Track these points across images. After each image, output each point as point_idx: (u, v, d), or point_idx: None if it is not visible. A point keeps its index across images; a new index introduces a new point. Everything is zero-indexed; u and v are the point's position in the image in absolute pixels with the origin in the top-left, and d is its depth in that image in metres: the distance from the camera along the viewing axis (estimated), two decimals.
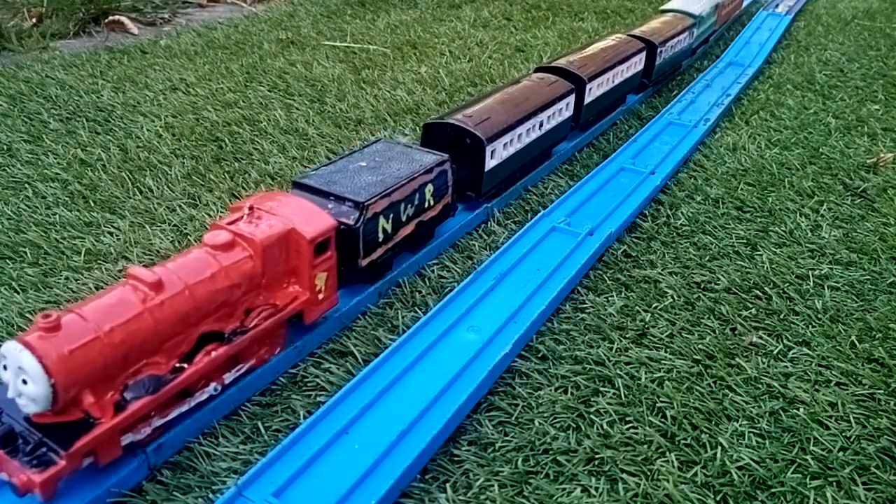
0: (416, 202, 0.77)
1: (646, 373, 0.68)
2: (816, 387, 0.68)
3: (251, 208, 0.63)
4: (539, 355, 0.70)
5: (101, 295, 0.52)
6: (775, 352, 0.72)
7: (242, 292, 0.59)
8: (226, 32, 1.70)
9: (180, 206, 0.93)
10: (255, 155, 1.08)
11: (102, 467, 0.51)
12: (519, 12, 2.03)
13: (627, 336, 0.73)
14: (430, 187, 0.78)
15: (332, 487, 0.52)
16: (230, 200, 0.95)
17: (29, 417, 0.49)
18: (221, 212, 0.92)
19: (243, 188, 0.99)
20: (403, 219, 0.76)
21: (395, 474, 0.53)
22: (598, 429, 0.61)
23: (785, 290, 0.82)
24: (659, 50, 1.34)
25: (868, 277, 0.85)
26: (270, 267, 0.60)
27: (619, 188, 1.00)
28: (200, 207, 0.94)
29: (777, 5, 2.16)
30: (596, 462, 0.58)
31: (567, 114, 1.08)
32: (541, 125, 1.00)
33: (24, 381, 0.47)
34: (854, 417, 0.64)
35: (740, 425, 0.62)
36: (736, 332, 0.75)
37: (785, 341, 0.74)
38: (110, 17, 1.76)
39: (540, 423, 0.62)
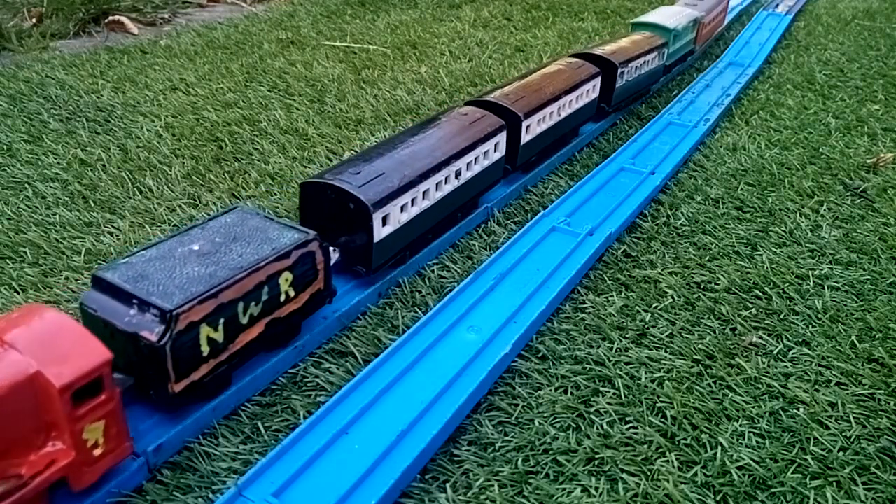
0: (266, 297, 0.60)
1: (646, 373, 0.68)
2: (816, 387, 0.68)
3: None
4: (539, 355, 0.70)
5: None
6: (775, 352, 0.72)
7: None
8: (226, 32, 1.70)
9: (180, 206, 0.93)
10: (255, 155, 1.08)
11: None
12: (519, 12, 2.03)
13: (627, 336, 0.73)
14: (286, 276, 0.61)
15: (332, 487, 0.52)
16: (230, 200, 0.95)
17: None
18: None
19: (243, 188, 0.99)
20: (245, 321, 0.59)
21: (395, 474, 0.53)
22: (598, 429, 0.61)
23: (785, 290, 0.82)
24: (620, 72, 1.20)
25: (868, 277, 0.85)
26: (2, 428, 0.45)
27: (619, 188, 1.00)
28: (200, 207, 0.94)
29: (777, 5, 2.16)
30: (596, 462, 0.58)
31: (497, 155, 0.92)
32: (458, 174, 0.84)
33: None
34: (854, 417, 0.64)
35: (740, 425, 0.62)
36: (736, 332, 0.75)
37: (785, 341, 0.74)
38: (110, 17, 1.76)
39: (540, 423, 0.62)
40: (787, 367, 0.70)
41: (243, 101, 1.28)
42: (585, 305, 0.78)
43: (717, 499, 0.56)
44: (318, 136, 1.15)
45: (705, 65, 1.63)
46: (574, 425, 0.62)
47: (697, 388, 0.67)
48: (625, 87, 1.24)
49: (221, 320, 0.56)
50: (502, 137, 0.92)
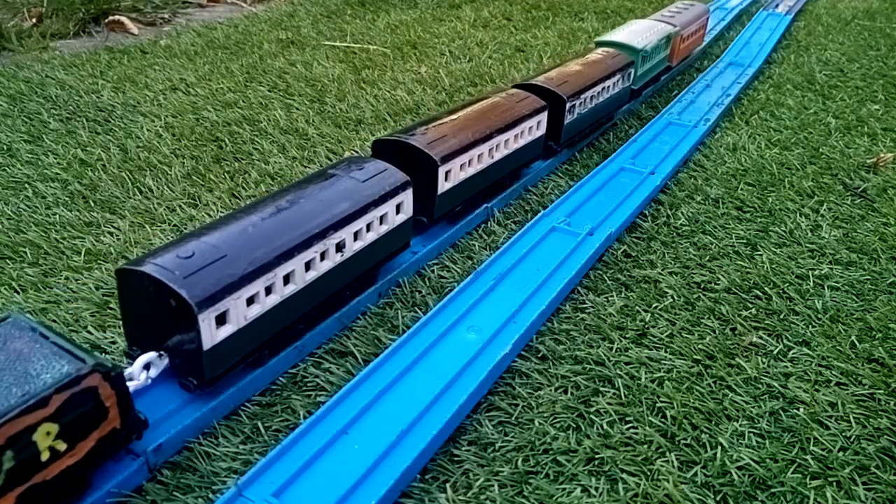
0: (16, 458, 0.44)
1: (646, 373, 0.68)
2: (816, 387, 0.68)
3: None
4: (539, 355, 0.70)
5: None
6: (775, 352, 0.72)
7: None
8: (226, 32, 1.70)
9: (180, 206, 0.93)
10: (255, 155, 1.08)
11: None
12: (519, 12, 2.03)
13: (627, 336, 0.73)
14: (46, 429, 0.45)
15: (332, 487, 0.52)
16: (230, 200, 0.95)
17: None
18: (221, 212, 0.92)
19: (243, 188, 0.99)
20: None
21: (395, 474, 0.53)
22: (598, 429, 0.61)
23: (785, 290, 0.82)
24: (570, 105, 1.03)
25: (868, 277, 0.85)
26: None
27: (619, 188, 1.00)
28: (200, 207, 0.94)
29: (777, 5, 2.16)
30: (596, 462, 0.58)
31: (402, 217, 0.74)
32: (341, 246, 0.67)
33: None
34: (854, 417, 0.64)
35: (740, 425, 0.62)
36: (736, 332, 0.75)
37: (785, 341, 0.74)
38: (110, 17, 1.76)
39: (540, 423, 0.62)
40: (787, 367, 0.70)
41: (243, 101, 1.28)
42: (585, 305, 0.78)
43: (717, 499, 0.56)
44: (318, 136, 1.15)
45: (705, 65, 1.63)
46: (574, 425, 0.62)
47: (697, 388, 0.67)
48: (577, 121, 1.08)
49: None
50: (406, 196, 0.74)
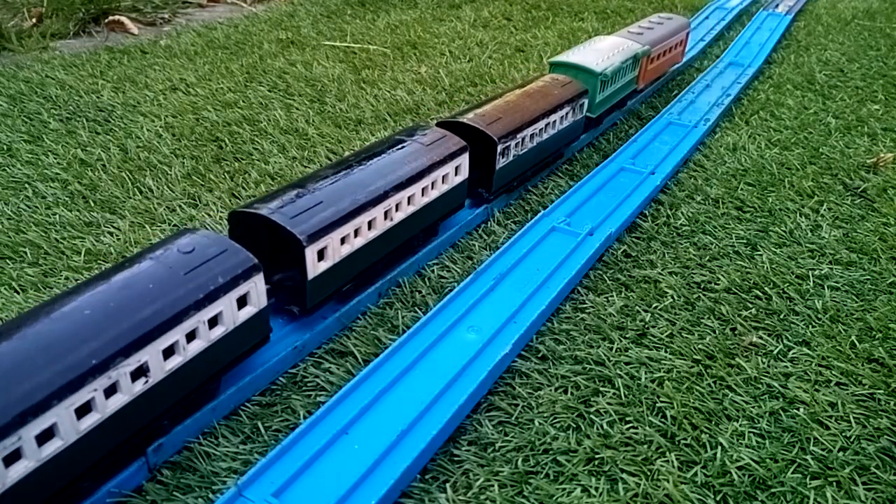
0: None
1: (646, 373, 0.68)
2: (816, 387, 0.68)
3: None
4: (539, 355, 0.70)
5: None
6: (775, 352, 0.72)
7: None
8: (226, 32, 1.70)
9: (180, 206, 0.93)
10: (255, 155, 1.08)
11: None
12: (519, 12, 2.03)
13: (627, 336, 0.73)
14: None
15: (332, 487, 0.52)
16: (230, 200, 0.95)
17: None
18: (221, 211, 0.92)
19: (243, 188, 0.99)
20: None
21: (395, 474, 0.53)
22: (598, 429, 0.61)
23: (785, 290, 0.82)
24: (502, 148, 0.88)
25: (868, 277, 0.85)
26: None
27: (619, 188, 1.00)
28: (200, 207, 0.94)
29: (777, 5, 2.16)
30: (596, 462, 0.58)
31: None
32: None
33: None
34: (854, 417, 0.64)
35: (740, 425, 0.62)
36: (736, 332, 0.75)
37: (785, 341, 0.74)
38: (110, 17, 1.76)
39: (540, 423, 0.62)
40: (787, 367, 0.70)
41: (243, 101, 1.28)
42: (585, 305, 0.78)
43: (717, 499, 0.56)
44: (318, 136, 1.15)
45: (705, 65, 1.63)
46: (574, 425, 0.62)
47: (697, 388, 0.67)
48: (516, 164, 0.93)
49: None
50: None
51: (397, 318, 0.74)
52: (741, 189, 1.06)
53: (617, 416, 0.63)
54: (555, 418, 0.63)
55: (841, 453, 0.60)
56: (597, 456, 0.59)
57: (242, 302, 0.58)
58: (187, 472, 0.56)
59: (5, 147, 1.07)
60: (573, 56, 1.13)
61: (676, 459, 0.59)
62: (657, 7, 2.17)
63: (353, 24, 1.83)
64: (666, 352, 0.71)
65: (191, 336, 0.54)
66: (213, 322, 0.55)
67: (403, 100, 1.32)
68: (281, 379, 0.66)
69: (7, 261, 0.81)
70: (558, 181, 1.07)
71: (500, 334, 0.69)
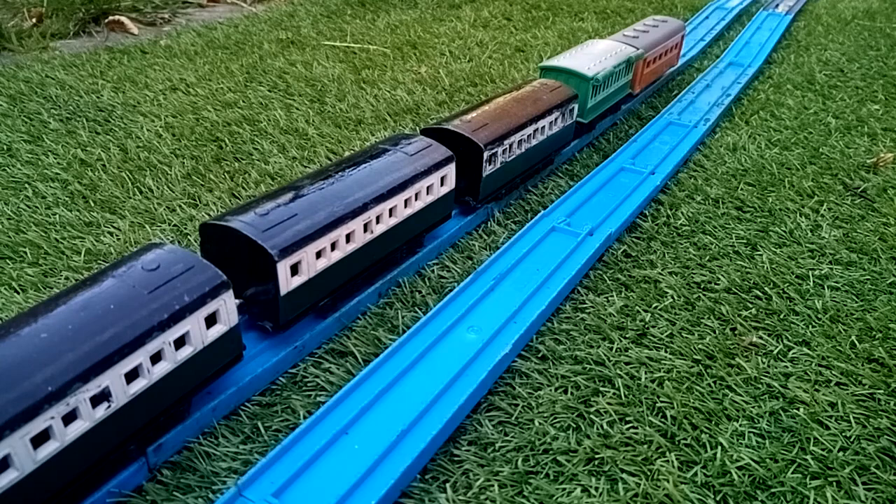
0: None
1: (646, 373, 0.68)
2: (816, 387, 0.68)
3: None
4: (539, 355, 0.70)
5: None
6: (775, 352, 0.72)
7: None
8: (226, 32, 1.70)
9: (180, 206, 0.93)
10: (255, 155, 1.08)
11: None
12: (519, 12, 2.03)
13: (627, 336, 0.73)
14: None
15: (332, 487, 0.52)
16: (230, 200, 0.95)
17: None
18: (222, 211, 0.92)
19: (243, 188, 0.99)
20: None
21: (395, 474, 0.53)
22: (598, 429, 0.61)
23: (785, 290, 0.82)
24: (489, 155, 0.86)
25: (868, 277, 0.85)
26: None
27: (619, 188, 1.00)
28: (200, 207, 0.94)
29: (777, 5, 2.16)
30: (596, 462, 0.58)
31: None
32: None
33: None
34: (854, 417, 0.64)
35: (740, 425, 0.62)
36: (736, 332, 0.75)
37: (785, 341, 0.74)
38: (110, 17, 1.76)
39: (540, 423, 0.62)
40: (787, 367, 0.70)
41: (243, 101, 1.28)
42: (585, 305, 0.78)
43: (717, 499, 0.56)
44: (318, 136, 1.15)
45: (705, 65, 1.63)
46: (574, 425, 0.62)
47: (697, 388, 0.67)
48: (503, 171, 0.91)
49: None
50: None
51: (397, 318, 0.74)
52: (741, 189, 1.06)
53: (617, 416, 0.63)
54: (555, 418, 0.63)
55: (841, 453, 0.60)
56: (597, 456, 0.59)
57: (211, 320, 0.56)
58: (187, 472, 0.56)
59: (5, 147, 1.07)
60: (564, 60, 1.11)
61: (676, 459, 0.59)
62: (657, 7, 2.17)
63: (353, 24, 1.83)
64: (666, 352, 0.71)
65: (156, 358, 0.51)
66: (179, 342, 0.53)
67: (403, 100, 1.32)
68: (281, 379, 0.66)
69: (7, 261, 0.81)
70: (558, 181, 1.07)
71: (500, 334, 0.69)
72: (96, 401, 0.47)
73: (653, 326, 0.75)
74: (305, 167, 1.05)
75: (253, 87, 1.35)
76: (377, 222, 0.71)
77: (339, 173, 0.71)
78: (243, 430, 0.60)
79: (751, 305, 0.79)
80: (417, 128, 1.18)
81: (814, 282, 0.84)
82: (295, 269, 0.63)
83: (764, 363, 0.70)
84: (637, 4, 2.21)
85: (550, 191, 1.04)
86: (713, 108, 1.32)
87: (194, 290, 0.54)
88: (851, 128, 1.31)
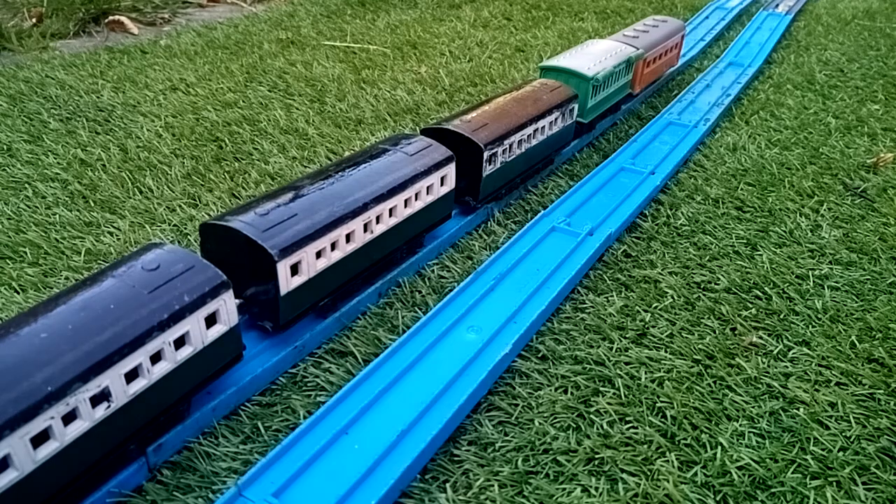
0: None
1: (646, 373, 0.68)
2: (816, 387, 0.68)
3: None
4: (539, 355, 0.70)
5: None
6: (775, 352, 0.72)
7: None
8: (226, 32, 1.70)
9: (180, 206, 0.93)
10: (255, 155, 1.08)
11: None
12: (519, 12, 2.03)
13: (627, 336, 0.73)
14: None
15: (332, 487, 0.52)
16: (230, 200, 0.95)
17: None
18: (222, 211, 0.92)
19: (243, 188, 0.99)
20: None
21: (395, 474, 0.53)
22: (598, 429, 0.61)
23: (785, 290, 0.82)
24: (489, 155, 0.86)
25: (868, 277, 0.85)
26: None
27: (619, 188, 1.00)
28: (200, 207, 0.94)
29: (777, 5, 2.16)
30: (596, 462, 0.58)
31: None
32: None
33: None
34: (854, 417, 0.64)
35: (740, 425, 0.62)
36: (736, 332, 0.75)
37: (785, 341, 0.74)
38: (110, 17, 1.76)
39: (540, 423, 0.62)
40: (787, 367, 0.70)
41: (243, 101, 1.28)
42: (585, 305, 0.78)
43: (717, 499, 0.56)
44: (318, 136, 1.15)
45: (705, 65, 1.63)
46: (574, 425, 0.62)
47: (697, 388, 0.67)
48: (504, 171, 0.92)
49: None
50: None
51: (397, 318, 0.74)
52: (741, 189, 1.06)
53: (617, 416, 0.63)
54: (555, 418, 0.63)
55: (841, 453, 0.60)
56: (597, 456, 0.59)
57: (211, 320, 0.56)
58: (187, 472, 0.56)
59: (5, 147, 1.07)
60: (564, 60, 1.11)
61: (676, 459, 0.59)
62: (657, 7, 2.17)
63: (353, 24, 1.83)
64: (666, 352, 0.71)
65: (156, 357, 0.51)
66: (179, 342, 0.53)
67: (403, 100, 1.32)
68: (281, 379, 0.66)
69: (7, 261, 0.81)
70: (558, 181, 1.07)
71: (500, 334, 0.69)
72: (96, 401, 0.48)
73: (653, 326, 0.75)
74: (305, 167, 1.05)
75: (253, 87, 1.35)
76: (377, 222, 0.72)
77: (339, 173, 0.71)
78: (243, 430, 0.60)
79: (751, 305, 0.79)
80: (417, 128, 1.18)
81: (814, 282, 0.84)
82: (295, 269, 0.63)
83: (764, 363, 0.70)
84: (637, 4, 2.21)
85: (550, 191, 1.04)
86: (713, 108, 1.32)
87: (194, 290, 0.54)
88: (851, 128, 1.31)
